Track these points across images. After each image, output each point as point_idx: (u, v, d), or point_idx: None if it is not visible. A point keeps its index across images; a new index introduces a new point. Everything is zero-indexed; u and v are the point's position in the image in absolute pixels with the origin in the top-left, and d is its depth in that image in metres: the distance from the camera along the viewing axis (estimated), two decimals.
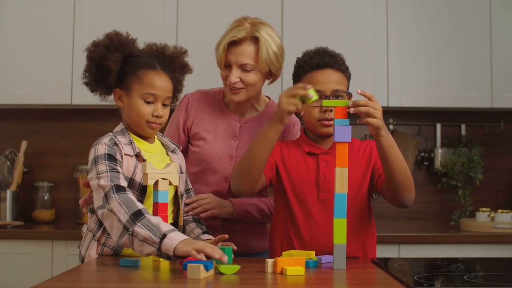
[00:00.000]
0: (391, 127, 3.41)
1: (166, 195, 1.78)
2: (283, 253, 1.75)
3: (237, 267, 1.58)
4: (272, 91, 2.38)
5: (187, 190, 2.07)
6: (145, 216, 1.63)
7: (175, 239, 1.57)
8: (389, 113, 3.38)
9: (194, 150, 2.22)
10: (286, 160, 1.96)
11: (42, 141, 3.46)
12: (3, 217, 3.21)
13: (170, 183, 1.79)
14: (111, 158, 1.79)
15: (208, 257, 1.54)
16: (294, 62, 2.02)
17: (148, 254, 1.62)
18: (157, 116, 1.86)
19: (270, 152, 1.86)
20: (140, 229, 1.61)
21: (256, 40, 2.09)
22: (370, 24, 3.18)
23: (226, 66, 2.13)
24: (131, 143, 1.87)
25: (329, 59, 1.92)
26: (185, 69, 2.00)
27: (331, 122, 1.88)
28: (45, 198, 3.32)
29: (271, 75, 2.17)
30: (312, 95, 1.75)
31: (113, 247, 1.83)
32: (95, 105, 3.17)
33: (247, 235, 2.23)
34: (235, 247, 1.78)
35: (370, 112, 1.70)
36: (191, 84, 2.18)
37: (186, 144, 2.26)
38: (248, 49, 2.09)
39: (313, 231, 1.89)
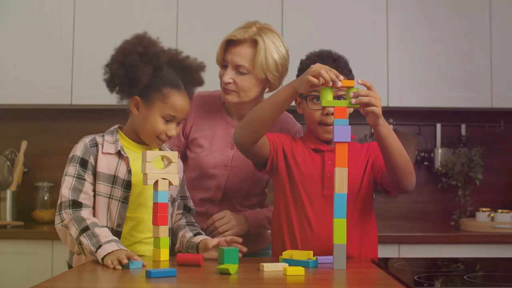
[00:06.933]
0: (391, 127, 3.40)
1: (166, 195, 1.79)
2: (283, 253, 1.75)
3: (235, 266, 1.58)
4: None
5: (183, 197, 2.04)
6: (89, 229, 1.75)
7: (106, 250, 1.69)
8: (389, 113, 3.38)
9: (191, 156, 2.20)
10: (295, 152, 1.97)
11: (42, 141, 3.46)
12: (3, 217, 3.20)
13: (170, 183, 1.80)
14: (83, 163, 1.87)
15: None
16: (295, 63, 2.02)
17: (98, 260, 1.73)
18: (169, 136, 1.89)
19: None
20: (84, 239, 1.74)
21: (255, 44, 2.05)
22: (370, 24, 3.18)
23: (224, 65, 2.11)
24: (116, 141, 1.89)
25: (331, 64, 1.88)
26: (197, 83, 1.98)
27: (331, 128, 1.88)
28: (45, 198, 3.32)
29: (268, 83, 2.12)
30: (339, 85, 1.72)
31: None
32: (95, 105, 3.17)
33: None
34: (245, 249, 1.81)
35: (371, 101, 1.72)
36: None
37: (186, 148, 2.23)
38: (245, 51, 2.05)
39: (315, 225, 1.90)
